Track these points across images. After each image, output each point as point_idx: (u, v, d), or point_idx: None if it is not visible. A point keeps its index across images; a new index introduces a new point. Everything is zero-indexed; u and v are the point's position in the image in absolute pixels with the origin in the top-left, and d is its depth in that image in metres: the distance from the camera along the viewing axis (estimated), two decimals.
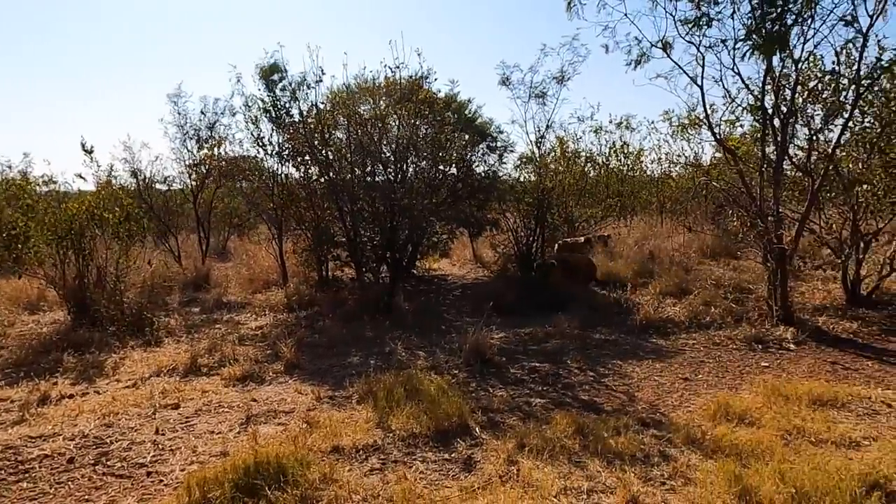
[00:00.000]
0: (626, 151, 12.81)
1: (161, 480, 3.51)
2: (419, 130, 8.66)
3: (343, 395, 4.82)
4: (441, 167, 9.19)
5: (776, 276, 6.40)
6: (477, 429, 4.02)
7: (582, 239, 9.87)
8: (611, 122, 12.75)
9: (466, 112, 9.96)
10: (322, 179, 8.82)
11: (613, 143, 11.89)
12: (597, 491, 3.17)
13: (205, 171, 11.55)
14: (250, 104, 9.33)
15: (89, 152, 8.12)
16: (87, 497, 3.34)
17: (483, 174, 10.22)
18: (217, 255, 13.27)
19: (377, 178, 8.84)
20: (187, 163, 11.43)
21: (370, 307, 7.44)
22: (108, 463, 3.73)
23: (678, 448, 3.65)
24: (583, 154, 10.54)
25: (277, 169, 9.58)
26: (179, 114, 11.10)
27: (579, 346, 6.07)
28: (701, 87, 6.51)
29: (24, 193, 7.37)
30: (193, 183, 11.74)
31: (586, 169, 10.45)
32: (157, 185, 12.46)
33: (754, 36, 5.64)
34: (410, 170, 8.83)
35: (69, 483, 3.50)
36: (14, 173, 13.73)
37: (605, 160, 11.75)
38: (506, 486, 3.21)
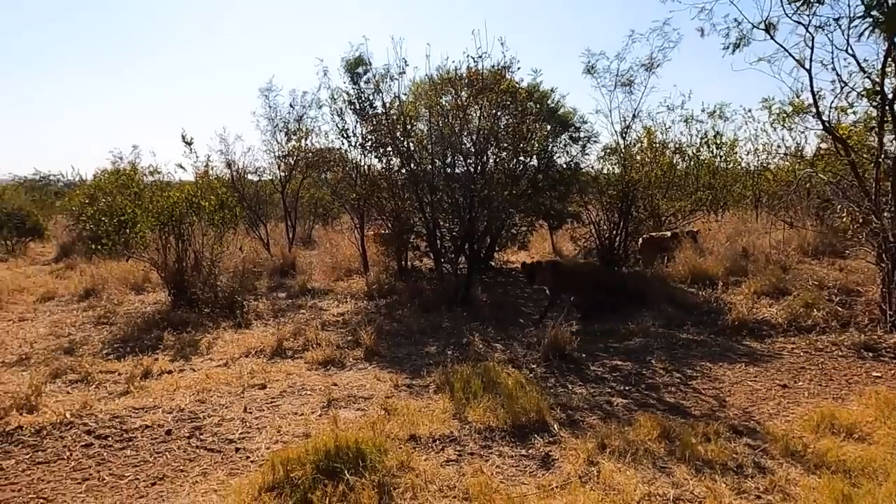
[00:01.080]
0: (718, 142, 12.06)
1: (248, 457, 3.68)
2: (500, 121, 8.56)
3: (420, 383, 4.86)
4: (521, 158, 9.05)
5: (892, 278, 5.81)
6: (555, 426, 3.93)
7: (668, 233, 9.43)
8: (703, 110, 12.02)
9: (549, 102, 9.74)
10: (403, 170, 8.94)
11: (705, 132, 11.21)
12: (683, 499, 3.00)
13: (292, 162, 12.03)
14: (336, 97, 9.58)
15: (189, 143, 8.66)
16: (182, 468, 3.56)
17: (564, 165, 9.99)
18: (302, 243, 13.79)
19: (457, 170, 8.84)
20: (277, 154, 11.95)
21: (448, 298, 7.47)
22: (201, 437, 3.96)
23: (775, 460, 3.39)
24: (671, 145, 10.03)
25: (360, 160, 9.81)
26: (270, 107, 11.62)
27: (664, 345, 5.80)
28: (809, 71, 5.99)
29: (132, 183, 7.95)
30: (282, 173, 12.25)
31: (675, 160, 9.94)
32: (249, 176, 13.12)
33: (874, 12, 5.10)
34: (490, 161, 8.76)
35: (167, 453, 3.74)
36: (124, 164, 14.87)
37: (695, 151, 11.11)
38: (585, 487, 3.11)
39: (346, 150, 9.97)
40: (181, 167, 10.59)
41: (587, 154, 10.13)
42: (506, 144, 8.65)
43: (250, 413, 4.34)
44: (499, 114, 8.42)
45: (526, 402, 4.11)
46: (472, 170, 8.32)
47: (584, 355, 5.46)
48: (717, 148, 11.85)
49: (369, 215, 10.17)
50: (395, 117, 8.39)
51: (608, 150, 10.06)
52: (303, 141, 11.62)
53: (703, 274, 8.25)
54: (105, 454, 3.73)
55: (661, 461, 3.39)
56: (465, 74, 8.24)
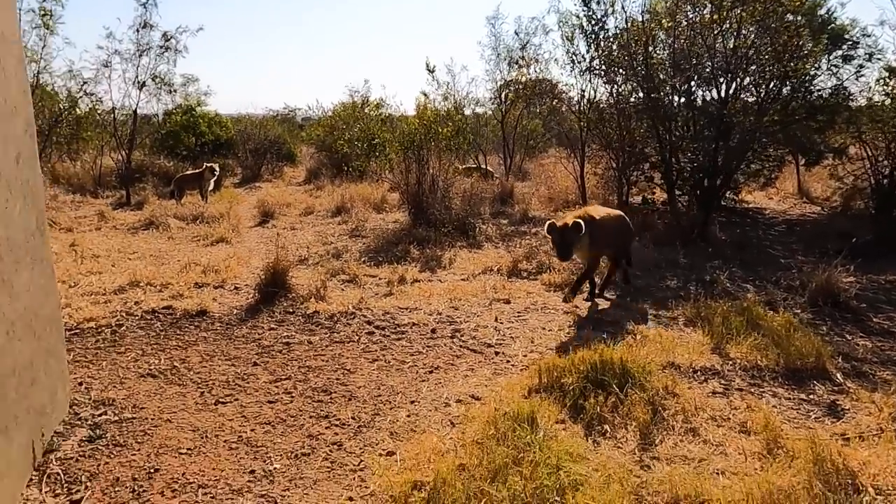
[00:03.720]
0: None
1: (508, 361, 3.93)
2: (757, 39, 7.49)
3: (667, 315, 4.70)
4: (776, 82, 7.90)
5: None
6: (838, 375, 3.53)
7: None
8: None
9: (820, 13, 8.27)
10: (635, 97, 8.43)
11: None
12: None
13: (512, 92, 12.06)
14: (565, 20, 9.29)
15: (431, 71, 9.11)
16: (451, 362, 3.94)
17: (830, 90, 8.52)
18: (515, 174, 13.97)
19: (696, 96, 8.07)
20: (498, 84, 12.06)
21: (682, 233, 7.03)
22: (462, 339, 4.33)
23: None
24: None
25: (586, 88, 9.49)
26: (495, 36, 11.67)
27: None
28: None
29: (378, 110, 8.66)
30: (502, 103, 12.37)
31: None
32: (469, 107, 13.50)
33: None
34: (739, 85, 7.79)
35: (436, 348, 4.17)
36: (358, 97, 16.32)
37: None
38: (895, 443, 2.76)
39: (572, 77, 9.71)
40: (424, 94, 11.17)
41: (862, 76, 8.50)
42: (760, 67, 7.60)
43: (501, 323, 4.61)
44: (754, 30, 7.37)
45: (802, 345, 3.74)
46: (719, 95, 7.51)
47: (863, 305, 4.77)
48: None
49: (588, 146, 9.89)
50: (633, 38, 7.85)
51: (891, 70, 8.31)
52: (524, 70, 11.56)
53: None
54: (385, 342, 4.28)
55: None
56: None
